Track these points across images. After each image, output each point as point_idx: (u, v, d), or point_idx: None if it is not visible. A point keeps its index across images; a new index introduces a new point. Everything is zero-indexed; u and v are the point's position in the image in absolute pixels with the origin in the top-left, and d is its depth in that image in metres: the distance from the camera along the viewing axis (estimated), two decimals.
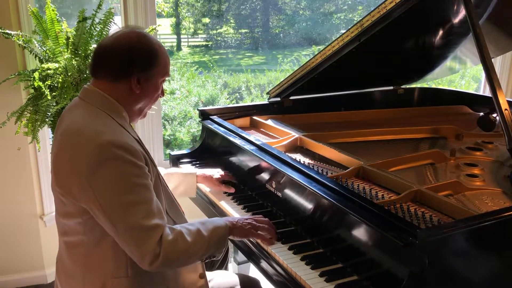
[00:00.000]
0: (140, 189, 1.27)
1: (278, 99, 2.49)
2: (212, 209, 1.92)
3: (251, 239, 1.58)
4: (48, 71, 2.13)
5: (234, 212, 1.78)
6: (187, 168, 2.16)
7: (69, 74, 2.15)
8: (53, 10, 2.20)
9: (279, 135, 2.20)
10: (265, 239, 1.51)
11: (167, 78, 1.49)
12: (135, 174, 1.27)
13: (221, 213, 1.85)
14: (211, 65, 6.42)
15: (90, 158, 1.24)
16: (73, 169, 1.27)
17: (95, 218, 1.29)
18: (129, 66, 1.35)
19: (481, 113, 2.44)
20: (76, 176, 1.26)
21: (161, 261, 1.24)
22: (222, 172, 1.97)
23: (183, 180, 1.91)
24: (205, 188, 2.00)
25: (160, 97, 1.50)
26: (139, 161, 1.29)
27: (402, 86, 2.81)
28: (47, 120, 2.20)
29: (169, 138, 4.76)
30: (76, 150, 1.28)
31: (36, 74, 2.12)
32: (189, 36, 9.80)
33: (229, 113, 2.38)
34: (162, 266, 1.26)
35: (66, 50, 2.24)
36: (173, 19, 9.31)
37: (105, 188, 1.24)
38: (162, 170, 1.87)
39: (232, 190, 1.92)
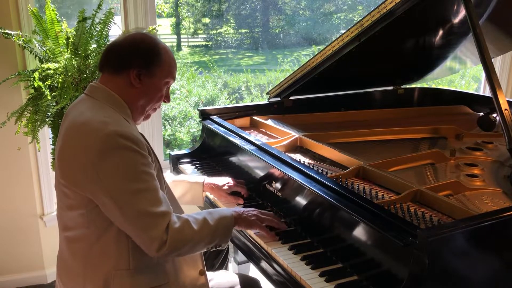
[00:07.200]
0: (147, 177, 1.30)
1: (278, 99, 2.49)
2: (211, 208, 1.91)
3: (252, 239, 1.59)
4: (48, 71, 2.13)
5: None
6: (194, 176, 2.05)
7: (69, 74, 2.15)
8: (53, 10, 2.20)
9: (279, 135, 2.20)
10: (270, 231, 1.55)
11: (172, 82, 1.51)
12: (141, 163, 1.30)
13: None
14: (211, 65, 6.42)
15: (97, 147, 1.27)
16: (80, 158, 1.29)
17: (99, 208, 1.31)
18: (129, 58, 1.40)
19: (481, 113, 2.44)
20: (83, 165, 1.28)
21: (168, 248, 1.27)
22: (231, 182, 1.87)
23: (190, 189, 1.88)
24: None
25: (165, 102, 1.53)
26: (144, 151, 1.33)
27: (402, 86, 2.81)
28: (47, 120, 2.20)
29: (169, 138, 4.76)
30: (83, 140, 1.30)
31: (36, 74, 2.12)
32: (189, 36, 9.81)
33: (229, 113, 2.38)
34: (169, 252, 1.29)
35: (66, 50, 2.24)
36: (173, 19, 9.31)
37: (113, 176, 1.27)
38: (170, 177, 1.88)
39: (241, 202, 1.84)
